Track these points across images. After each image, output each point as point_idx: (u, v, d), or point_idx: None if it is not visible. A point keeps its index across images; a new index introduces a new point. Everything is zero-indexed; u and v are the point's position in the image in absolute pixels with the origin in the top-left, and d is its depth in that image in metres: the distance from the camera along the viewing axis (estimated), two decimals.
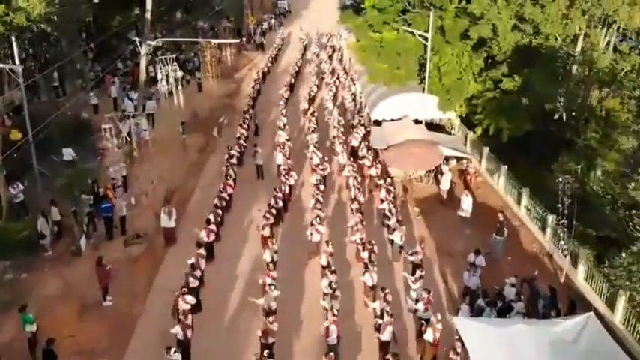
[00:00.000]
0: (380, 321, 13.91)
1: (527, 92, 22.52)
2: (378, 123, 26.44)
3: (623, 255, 15.62)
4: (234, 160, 23.33)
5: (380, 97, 27.11)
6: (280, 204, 20.29)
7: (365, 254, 16.46)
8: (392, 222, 18.48)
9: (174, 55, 30.34)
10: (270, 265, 15.91)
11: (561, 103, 23.77)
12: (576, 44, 23.94)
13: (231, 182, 21.46)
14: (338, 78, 36.68)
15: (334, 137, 26.74)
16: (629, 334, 14.76)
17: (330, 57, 43.17)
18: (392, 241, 18.34)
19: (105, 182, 20.93)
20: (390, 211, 19.12)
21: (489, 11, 23.21)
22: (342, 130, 26.88)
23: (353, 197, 20.37)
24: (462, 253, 18.71)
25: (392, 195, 20.13)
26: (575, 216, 17.19)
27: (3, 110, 25.11)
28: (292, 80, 36.78)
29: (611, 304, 15.67)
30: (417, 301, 14.82)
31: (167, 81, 29.32)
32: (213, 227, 18.04)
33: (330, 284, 14.96)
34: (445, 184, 22.33)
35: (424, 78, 26.83)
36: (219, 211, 19.21)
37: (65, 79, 30.73)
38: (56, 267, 17.92)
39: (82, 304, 16.20)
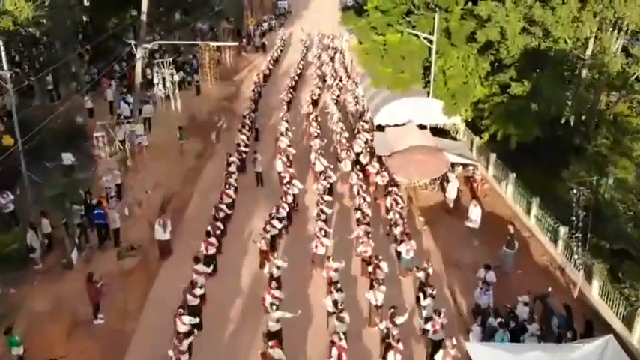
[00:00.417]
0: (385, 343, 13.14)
1: (537, 97, 21.73)
2: (381, 128, 25.68)
3: None
4: (232, 168, 22.52)
5: (383, 101, 26.35)
6: (283, 214, 19.48)
7: (370, 269, 15.65)
8: (399, 234, 17.68)
9: (171, 59, 29.51)
10: (273, 282, 15.05)
11: (570, 108, 23.02)
12: (586, 47, 23.15)
13: (231, 192, 20.63)
14: (340, 80, 35.91)
15: (337, 143, 25.98)
16: None
17: (332, 59, 42.38)
18: (399, 254, 17.51)
19: (98, 192, 20.12)
20: (396, 222, 18.34)
21: (497, 13, 22.43)
22: (346, 135, 26.12)
23: (357, 207, 19.56)
24: (471, 267, 17.97)
25: (399, 205, 19.33)
26: (589, 228, 16.42)
27: None
28: (294, 83, 35.97)
29: (628, 322, 14.89)
30: (427, 320, 14.03)
31: (164, 85, 28.50)
32: (213, 240, 17.22)
33: (335, 303, 14.18)
34: (452, 193, 21.55)
35: (428, 82, 26.08)
36: (219, 223, 18.39)
37: (60, 82, 29.93)
38: (46, 281, 17.14)
39: (72, 321, 15.42)
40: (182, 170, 24.96)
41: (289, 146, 24.75)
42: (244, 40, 48.76)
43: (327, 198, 20.27)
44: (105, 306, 15.70)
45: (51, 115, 23.41)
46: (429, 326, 13.54)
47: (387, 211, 20.02)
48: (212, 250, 17.03)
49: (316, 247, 17.23)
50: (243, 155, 24.68)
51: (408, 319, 14.19)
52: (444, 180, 22.60)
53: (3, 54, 17.05)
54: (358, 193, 20.01)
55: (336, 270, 15.81)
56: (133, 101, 26.18)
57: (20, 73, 31.38)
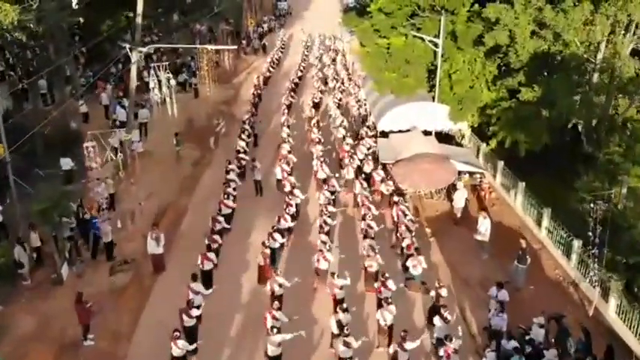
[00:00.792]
0: None
1: (548, 103, 20.89)
2: (384, 134, 24.85)
3: None
4: (231, 176, 21.67)
5: (386, 106, 25.52)
6: (285, 225, 18.64)
7: (376, 286, 14.80)
8: (406, 247, 16.84)
9: (167, 62, 28.65)
10: (275, 302, 14.17)
11: (581, 114, 22.19)
12: (597, 51, 22.32)
13: (230, 202, 19.77)
14: (342, 83, 35.07)
15: (340, 149, 25.16)
16: None
17: (334, 61, 41.51)
18: (406, 268, 16.65)
19: (89, 203, 19.22)
20: (402, 234, 17.52)
21: (505, 16, 21.59)
22: (349, 141, 25.29)
23: (362, 218, 18.70)
24: (480, 282, 17.18)
25: (407, 217, 18.49)
26: (606, 243, 15.60)
27: None
28: (294, 86, 35.10)
29: None
30: (438, 341, 13.20)
31: (160, 89, 27.64)
32: (211, 255, 16.37)
33: (340, 324, 13.34)
34: (459, 202, 20.69)
35: (433, 86, 25.26)
36: (216, 236, 17.54)
37: (54, 85, 29.06)
38: (35, 298, 16.26)
39: (60, 342, 14.51)
40: (178, 178, 24.09)
41: (290, 152, 23.93)
42: (244, 42, 47.88)
43: (330, 209, 19.46)
44: (95, 326, 14.83)
45: (44, 120, 22.64)
46: (441, 352, 12.70)
47: (394, 222, 19.19)
48: (209, 266, 16.18)
49: (319, 261, 16.38)
50: (243, 162, 23.84)
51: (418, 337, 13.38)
52: (450, 188, 21.76)
53: None
54: (363, 204, 19.15)
55: (341, 288, 14.99)
56: (128, 106, 25.29)
57: (14, 76, 30.67)
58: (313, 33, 50.18)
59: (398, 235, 18.09)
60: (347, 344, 12.72)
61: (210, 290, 15.53)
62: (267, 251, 16.68)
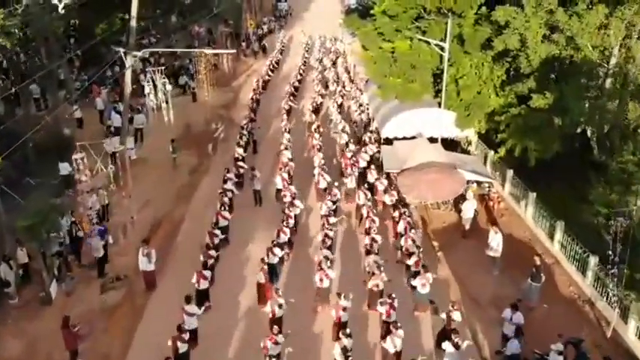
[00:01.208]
0: None
1: (560, 110, 20.00)
2: (388, 141, 23.96)
3: None
4: (229, 185, 20.79)
5: (391, 112, 24.60)
6: (285, 239, 17.78)
7: (383, 310, 13.88)
8: (413, 264, 15.98)
9: (163, 67, 27.76)
10: (275, 327, 13.26)
11: (593, 121, 21.33)
12: (610, 56, 21.45)
13: (226, 213, 18.90)
14: (344, 87, 34.20)
15: (341, 156, 24.30)
16: None
17: (334, 63, 40.62)
18: (413, 287, 15.77)
19: (79, 217, 18.30)
20: (409, 249, 16.65)
21: (515, 19, 20.71)
22: (351, 147, 24.44)
23: (367, 231, 17.82)
24: (492, 301, 16.33)
25: (412, 230, 17.62)
26: (627, 261, 14.72)
27: None
28: (294, 90, 34.21)
29: None
30: None
31: (155, 95, 26.76)
32: (206, 273, 15.48)
33: (344, 351, 12.48)
34: (468, 212, 19.76)
35: (438, 91, 24.38)
36: (212, 252, 16.66)
37: (47, 90, 28.17)
38: (22, 319, 15.41)
39: None
40: (175, 186, 23.22)
41: (291, 160, 23.07)
42: (243, 44, 46.99)
43: (332, 220, 18.60)
44: (85, 350, 14.00)
45: (36, 126, 21.76)
46: None
47: (398, 235, 18.29)
48: (205, 285, 15.28)
49: (321, 280, 15.48)
50: (241, 170, 22.97)
51: None
52: (459, 198, 20.86)
53: None
54: (367, 216, 18.25)
55: (344, 309, 14.11)
56: (122, 112, 24.42)
57: (5, 80, 29.80)
58: (314, 34, 49.30)
59: (404, 250, 17.19)
60: (346, 352, 11.89)
61: (204, 308, 14.61)
62: (266, 268, 15.79)
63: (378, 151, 23.92)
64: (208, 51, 30.58)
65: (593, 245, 16.77)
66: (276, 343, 12.75)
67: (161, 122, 28.18)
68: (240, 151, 24.15)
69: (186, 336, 13.04)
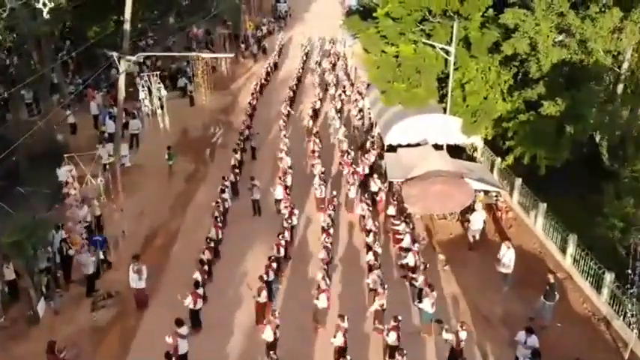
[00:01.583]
0: None
1: (572, 117, 19.19)
2: (392, 148, 23.13)
3: None
4: (225, 195, 20.00)
5: (394, 117, 23.74)
6: (282, 252, 17.00)
7: (394, 338, 13.03)
8: (420, 282, 15.15)
9: (159, 71, 26.94)
10: (272, 354, 12.44)
11: (605, 128, 20.53)
12: (623, 60, 20.65)
13: (220, 224, 18.06)
14: (344, 91, 33.36)
15: (341, 164, 23.49)
16: None
17: (334, 66, 39.76)
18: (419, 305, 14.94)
19: (67, 232, 17.46)
20: (415, 266, 15.83)
21: (525, 22, 19.88)
22: (351, 154, 23.61)
23: (368, 246, 17.00)
24: (503, 319, 15.56)
25: (416, 244, 16.80)
26: None
27: None
28: (292, 94, 33.35)
29: None
30: None
31: (150, 100, 25.94)
32: (201, 291, 14.67)
33: None
34: (477, 224, 18.90)
35: (443, 96, 23.55)
36: (206, 267, 15.84)
37: (40, 95, 27.35)
38: (8, 339, 14.62)
39: None
40: (170, 196, 22.38)
41: (290, 167, 22.27)
42: (242, 45, 46.15)
43: (332, 232, 17.82)
44: None
45: (28, 132, 20.95)
46: None
47: (402, 249, 17.46)
48: (200, 305, 14.46)
49: (319, 299, 14.62)
50: (237, 178, 22.17)
51: None
52: (466, 208, 20.01)
53: None
54: (370, 231, 17.42)
55: (346, 331, 13.30)
56: (116, 118, 23.59)
57: None
58: (313, 36, 48.44)
59: (410, 267, 16.36)
60: None
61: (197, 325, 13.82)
62: (264, 285, 14.95)
63: (381, 158, 23.12)
64: (206, 55, 29.68)
65: (607, 259, 16.00)
66: None
67: (157, 127, 27.37)
68: (238, 157, 23.40)
69: None
